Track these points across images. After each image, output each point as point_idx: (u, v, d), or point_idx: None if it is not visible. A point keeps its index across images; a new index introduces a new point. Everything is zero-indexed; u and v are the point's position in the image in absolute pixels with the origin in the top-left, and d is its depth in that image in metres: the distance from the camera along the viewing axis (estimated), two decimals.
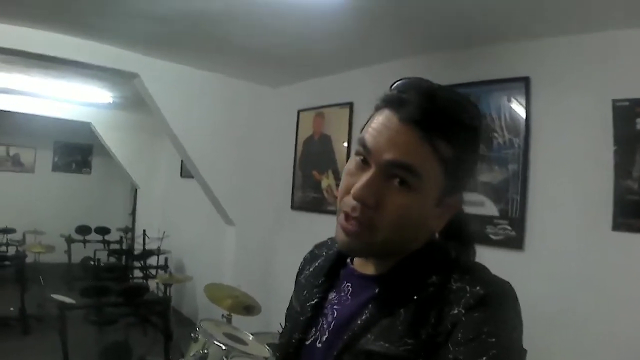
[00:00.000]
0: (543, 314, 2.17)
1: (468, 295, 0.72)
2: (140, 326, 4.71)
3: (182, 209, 6.39)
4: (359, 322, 0.79)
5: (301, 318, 0.91)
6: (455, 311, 0.71)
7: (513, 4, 2.32)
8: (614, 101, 2.34)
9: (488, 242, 2.64)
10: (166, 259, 6.14)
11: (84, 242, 7.49)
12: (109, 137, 6.96)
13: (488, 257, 0.87)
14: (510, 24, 2.58)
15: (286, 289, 4.05)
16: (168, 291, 4.89)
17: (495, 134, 2.74)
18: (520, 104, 2.65)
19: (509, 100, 2.71)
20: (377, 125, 0.80)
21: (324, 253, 1.02)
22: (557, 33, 2.56)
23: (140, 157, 7.12)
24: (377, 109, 0.83)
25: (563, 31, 2.53)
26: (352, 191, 0.78)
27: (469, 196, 2.66)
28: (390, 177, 0.77)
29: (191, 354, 2.38)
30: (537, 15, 2.42)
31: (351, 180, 0.80)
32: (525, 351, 0.73)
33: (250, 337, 2.66)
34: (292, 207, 4.30)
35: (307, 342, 0.88)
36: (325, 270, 0.95)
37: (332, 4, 2.46)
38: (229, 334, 2.58)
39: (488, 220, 2.70)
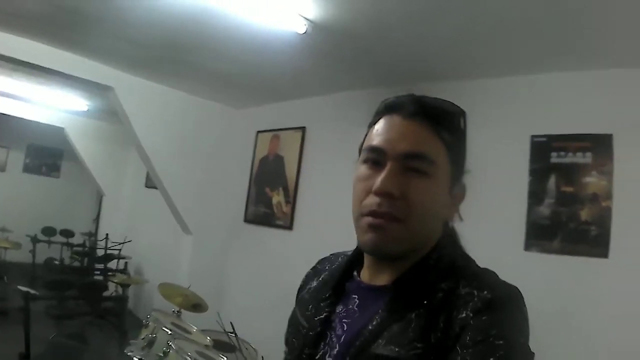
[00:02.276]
0: None
1: (476, 299, 0.73)
2: (97, 323, 4.88)
3: (144, 217, 6.56)
4: (370, 327, 0.79)
5: (310, 333, 0.89)
6: (464, 315, 0.72)
7: (449, 49, 2.68)
8: (532, 137, 2.72)
9: None
10: (126, 264, 6.29)
11: (49, 242, 7.57)
12: (80, 144, 7.06)
13: None
14: (446, 65, 2.94)
15: (235, 293, 4.43)
16: (125, 292, 5.14)
17: None
18: None
19: None
20: (382, 129, 0.84)
21: (327, 268, 1.02)
22: (486, 75, 2.93)
23: (108, 166, 7.26)
24: (373, 123, 0.88)
25: (491, 73, 2.90)
26: (374, 188, 0.79)
27: None
28: (407, 169, 0.80)
29: (141, 337, 2.64)
30: (468, 59, 2.79)
31: (366, 184, 0.82)
32: (533, 354, 0.73)
33: (195, 329, 2.97)
34: (245, 220, 4.61)
35: (317, 357, 0.87)
36: (331, 284, 0.94)
37: (289, 38, 2.71)
38: (176, 324, 2.89)
39: None
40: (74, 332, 4.13)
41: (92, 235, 7.97)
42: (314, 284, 1.02)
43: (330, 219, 3.78)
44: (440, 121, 0.83)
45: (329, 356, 0.85)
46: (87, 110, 6.19)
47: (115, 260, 6.34)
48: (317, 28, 2.57)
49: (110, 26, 3.01)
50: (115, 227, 7.02)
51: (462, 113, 0.88)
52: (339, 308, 0.90)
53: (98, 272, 6.30)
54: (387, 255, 0.85)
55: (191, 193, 4.60)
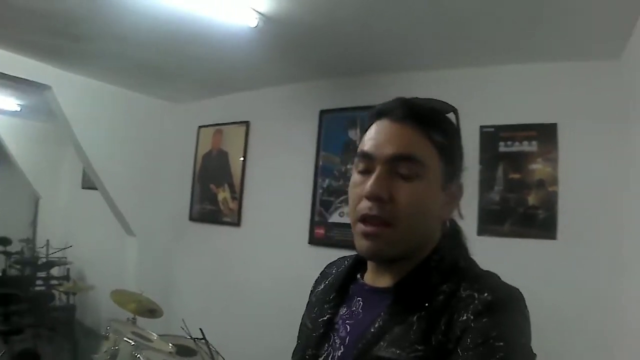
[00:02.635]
0: None
1: (476, 302, 0.73)
2: (47, 335, 4.67)
3: (84, 219, 6.32)
4: (372, 330, 0.80)
5: (313, 334, 0.91)
6: (464, 318, 0.72)
7: (399, 41, 2.71)
8: (481, 127, 2.82)
9: None
10: (68, 270, 6.03)
11: None
12: (13, 145, 6.70)
13: None
14: (396, 57, 2.98)
15: (186, 294, 4.37)
16: (71, 300, 4.94)
17: None
18: None
19: None
20: (372, 134, 0.85)
21: (334, 271, 1.03)
22: (434, 67, 3.00)
23: (43, 167, 6.94)
24: (366, 130, 0.88)
25: (439, 65, 2.97)
26: (364, 193, 0.81)
27: None
28: (396, 172, 0.80)
29: (104, 351, 2.57)
30: (418, 52, 2.84)
31: (358, 190, 0.83)
32: (534, 355, 0.73)
33: (155, 336, 2.90)
34: (190, 218, 4.50)
35: (320, 359, 0.87)
36: (335, 287, 0.95)
37: (240, 32, 2.67)
38: (136, 333, 2.82)
39: None
40: (24, 347, 3.95)
41: (30, 241, 7.58)
42: (321, 287, 1.03)
43: (278, 214, 3.79)
44: (429, 122, 0.83)
45: (332, 358, 0.85)
46: (20, 110, 5.89)
47: (57, 267, 6.06)
48: (268, 21, 2.53)
49: (47, 20, 2.83)
50: (53, 232, 6.71)
51: (453, 111, 0.89)
52: (343, 310, 0.90)
53: (41, 281, 6.00)
54: (384, 260, 0.86)
55: (133, 193, 4.46)
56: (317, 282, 1.08)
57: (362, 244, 0.83)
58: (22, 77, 3.68)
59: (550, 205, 2.61)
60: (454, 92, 2.94)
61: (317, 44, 2.89)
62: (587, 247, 2.49)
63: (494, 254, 2.60)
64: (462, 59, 2.87)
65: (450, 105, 0.90)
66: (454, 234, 0.91)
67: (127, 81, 4.21)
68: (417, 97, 0.88)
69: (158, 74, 3.83)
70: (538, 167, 2.67)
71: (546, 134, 2.64)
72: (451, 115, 0.91)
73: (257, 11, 2.46)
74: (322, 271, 1.10)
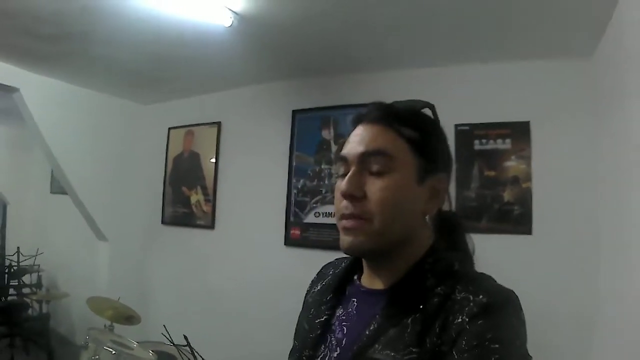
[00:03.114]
0: None
1: (472, 304, 0.73)
2: (21, 346, 4.56)
3: (53, 225, 6.16)
4: (367, 332, 0.80)
5: (310, 335, 0.92)
6: (460, 320, 0.72)
7: (374, 40, 2.71)
8: (456, 126, 2.84)
9: None
10: (39, 277, 5.91)
11: None
12: None
13: None
14: (371, 56, 2.98)
15: (162, 299, 4.29)
16: (44, 308, 4.81)
17: None
18: None
19: None
20: (349, 139, 0.89)
21: (331, 272, 1.04)
22: (409, 66, 3.02)
23: (9, 172, 6.70)
24: (349, 136, 0.91)
25: (413, 64, 2.99)
26: (340, 192, 0.84)
27: None
28: (368, 169, 0.83)
29: None
30: (394, 50, 2.84)
31: (338, 192, 0.86)
32: (530, 357, 0.74)
33: (135, 344, 2.85)
34: (163, 222, 4.43)
35: (317, 359, 0.88)
36: (332, 288, 0.96)
37: (213, 31, 2.63)
38: (116, 341, 2.77)
39: None
40: (1, 358, 3.81)
41: (0, 248, 7.35)
42: (318, 288, 1.04)
43: (253, 216, 3.76)
44: (399, 119, 0.85)
45: (329, 359, 0.86)
46: None
47: (28, 275, 5.89)
48: (243, 20, 2.51)
49: (13, 20, 2.73)
50: (23, 238, 6.50)
51: (428, 106, 0.92)
52: (339, 311, 0.92)
53: (12, 290, 5.82)
54: (365, 254, 0.88)
55: (104, 197, 4.35)
56: (314, 283, 1.08)
57: (343, 239, 0.85)
58: None
59: (524, 201, 2.66)
60: (428, 91, 2.94)
61: (292, 43, 2.87)
62: (562, 241, 2.55)
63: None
64: (437, 58, 2.89)
65: (426, 102, 0.92)
66: (451, 229, 0.92)
67: (96, 83, 4.11)
68: (396, 101, 0.91)
69: (128, 75, 3.75)
70: (512, 164, 2.72)
71: (519, 131, 2.70)
72: (428, 112, 0.93)
73: (231, 10, 2.43)
74: (319, 272, 1.10)
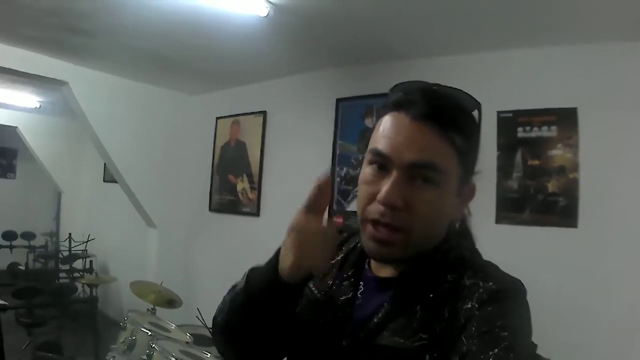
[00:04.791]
0: None
1: (481, 290, 0.72)
2: (70, 327, 4.73)
3: (106, 212, 6.42)
4: (375, 320, 0.79)
5: (339, 314, 0.86)
6: (469, 306, 0.71)
7: (413, 26, 2.66)
8: (499, 112, 2.75)
9: None
10: (91, 262, 6.15)
11: (11, 247, 7.27)
12: (35, 142, 6.87)
13: None
14: (411, 43, 2.92)
15: (206, 284, 4.40)
16: (94, 292, 5.02)
17: None
18: None
19: None
20: (388, 130, 0.79)
21: (344, 248, 0.98)
22: (451, 52, 2.93)
23: (64, 162, 7.07)
24: (382, 115, 0.82)
25: (455, 51, 2.91)
26: (378, 198, 0.76)
27: None
28: (413, 177, 0.76)
29: (121, 341, 2.61)
30: (433, 37, 2.78)
31: (371, 189, 0.78)
32: (535, 345, 0.73)
33: (173, 326, 2.94)
34: (210, 209, 4.53)
35: (334, 340, 0.84)
36: (352, 264, 0.92)
37: (250, 22, 2.65)
38: (154, 323, 2.86)
39: None
40: (47, 339, 4.00)
41: (54, 235, 7.73)
42: (342, 254, 0.97)
43: (296, 203, 3.73)
44: (453, 123, 0.77)
45: (339, 342, 0.83)
46: (39, 107, 5.99)
47: (81, 260, 6.17)
48: (279, 10, 2.51)
49: (58, 17, 2.86)
50: (76, 225, 6.85)
51: (477, 107, 0.83)
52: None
53: (64, 274, 6.12)
54: (393, 263, 0.84)
55: (153, 185, 4.49)
56: (342, 242, 1.02)
57: (370, 247, 0.80)
58: (39, 74, 3.72)
59: (571, 192, 2.53)
60: (470, 77, 2.90)
61: (330, 31, 2.85)
62: (610, 237, 2.40)
63: (513, 242, 2.60)
64: (479, 43, 2.79)
65: (476, 101, 0.83)
66: (460, 230, 0.88)
67: (142, 74, 4.24)
68: (438, 86, 0.81)
69: (172, 66, 3.83)
70: (558, 153, 2.59)
71: (566, 118, 2.56)
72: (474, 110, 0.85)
73: (267, 0, 2.43)
74: (350, 234, 1.03)
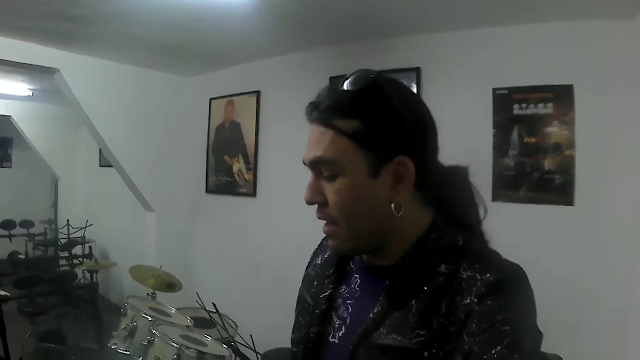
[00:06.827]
0: None
1: (479, 283, 0.70)
2: (71, 314, 4.76)
3: (103, 197, 6.42)
4: (371, 315, 0.78)
5: (316, 311, 0.89)
6: (468, 301, 0.70)
7: (404, 3, 2.59)
8: (494, 89, 2.73)
9: None
10: (90, 248, 6.16)
11: (10, 236, 7.27)
12: (29, 130, 6.84)
13: None
14: (405, 20, 2.86)
15: (205, 266, 4.42)
16: (94, 278, 5.04)
17: None
18: None
19: None
20: None
21: None
22: (445, 28, 2.89)
23: (59, 149, 7.05)
24: None
25: (450, 27, 2.86)
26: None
27: None
28: (320, 174, 0.81)
29: (122, 327, 2.60)
30: (427, 13, 2.72)
31: None
32: (541, 334, 0.72)
33: (173, 310, 2.95)
34: (207, 190, 4.53)
35: (325, 336, 0.87)
36: (334, 261, 0.94)
37: (241, 1, 2.62)
38: (154, 308, 2.86)
39: None
40: (50, 327, 4.01)
41: (52, 222, 7.73)
42: (319, 260, 1.02)
43: (293, 183, 3.74)
44: (333, 110, 0.78)
45: (333, 337, 0.85)
46: (32, 94, 5.93)
47: (80, 246, 6.19)
48: None
49: (47, 5, 2.81)
50: (74, 211, 6.85)
51: (372, 81, 0.78)
52: (343, 288, 0.90)
53: (64, 261, 6.14)
54: (352, 252, 0.90)
55: (148, 168, 4.47)
56: (315, 255, 1.06)
57: (328, 243, 0.87)
58: (30, 62, 3.67)
59: (567, 169, 2.53)
60: (466, 54, 2.90)
61: (321, 9, 2.80)
62: (606, 215, 2.41)
63: (509, 220, 2.60)
64: (473, 20, 2.75)
65: (370, 75, 0.79)
66: (446, 201, 0.84)
67: (135, 59, 4.18)
68: (332, 85, 0.85)
69: (164, 49, 3.78)
70: (554, 130, 2.58)
71: (562, 95, 2.55)
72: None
73: None
74: (320, 243, 1.07)
